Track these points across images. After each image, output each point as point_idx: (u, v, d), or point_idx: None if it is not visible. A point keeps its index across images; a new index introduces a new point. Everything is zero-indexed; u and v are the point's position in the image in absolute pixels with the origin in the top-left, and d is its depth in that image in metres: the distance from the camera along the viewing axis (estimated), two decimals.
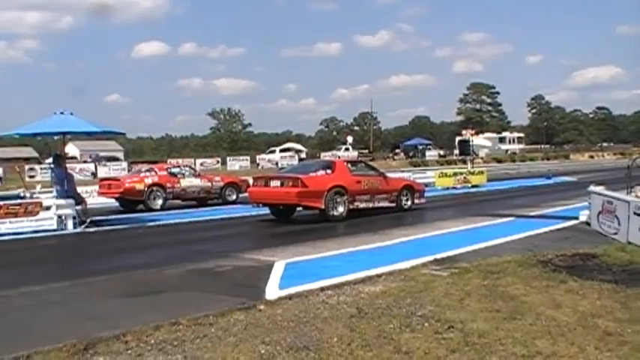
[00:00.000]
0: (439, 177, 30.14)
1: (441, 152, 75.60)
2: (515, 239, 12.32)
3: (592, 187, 14.36)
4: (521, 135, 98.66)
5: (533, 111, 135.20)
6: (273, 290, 8.11)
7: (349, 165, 18.79)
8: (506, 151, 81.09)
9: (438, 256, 10.23)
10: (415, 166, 52.05)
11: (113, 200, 23.03)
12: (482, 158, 62.83)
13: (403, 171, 37.73)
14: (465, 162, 37.56)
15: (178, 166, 25.73)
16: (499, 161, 63.14)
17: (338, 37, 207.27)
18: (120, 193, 22.51)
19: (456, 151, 61.16)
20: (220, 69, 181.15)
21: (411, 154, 71.30)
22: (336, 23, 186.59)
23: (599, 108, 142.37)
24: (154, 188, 22.56)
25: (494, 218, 16.22)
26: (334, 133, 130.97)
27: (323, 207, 16.45)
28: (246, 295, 7.88)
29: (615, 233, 11.96)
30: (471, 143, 36.51)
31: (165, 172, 23.45)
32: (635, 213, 11.14)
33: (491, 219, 16.06)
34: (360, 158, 53.07)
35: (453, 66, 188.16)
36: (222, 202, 23.84)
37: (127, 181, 22.96)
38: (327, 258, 10.76)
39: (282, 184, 16.68)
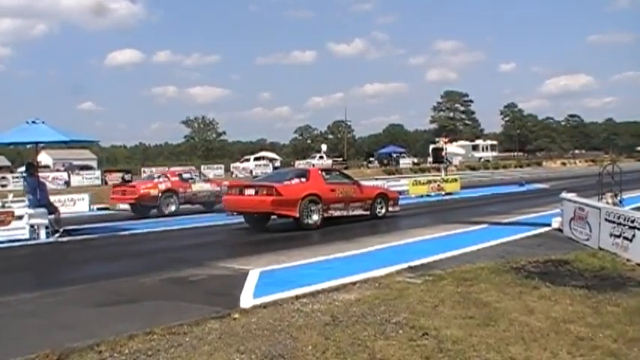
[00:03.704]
0: (413, 185, 30.22)
1: (415, 160, 76.03)
2: (488, 246, 12.41)
3: (564, 194, 14.54)
4: (495, 143, 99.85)
5: (507, 119, 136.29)
6: (247, 299, 8.09)
7: (323, 173, 18.69)
8: (480, 158, 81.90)
9: (412, 263, 10.28)
10: (389, 174, 52.27)
11: (86, 209, 22.79)
12: (455, 166, 63.27)
13: (377, 179, 37.77)
14: (438, 170, 37.78)
15: (189, 172, 26.32)
16: (473, 169, 63.70)
17: (313, 46, 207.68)
18: (135, 199, 23.19)
19: (430, 159, 61.59)
20: (195, 77, 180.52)
21: (385, 162, 71.62)
22: (312, 31, 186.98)
23: (571, 116, 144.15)
24: (168, 193, 23.33)
25: (468, 225, 16.34)
26: (309, 141, 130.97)
27: (297, 215, 16.44)
28: (220, 303, 7.86)
29: (587, 239, 12.11)
30: (444, 151, 36.74)
31: (177, 178, 24.14)
32: (606, 219, 11.30)
33: (464, 226, 16.17)
34: (334, 166, 53.15)
35: (427, 74, 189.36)
36: None
37: (142, 187, 23.58)
38: (302, 266, 10.76)
39: (256, 193, 16.58)
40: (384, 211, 19.14)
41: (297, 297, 8.01)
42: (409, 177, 38.00)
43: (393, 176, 46.06)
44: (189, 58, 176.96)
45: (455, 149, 76.61)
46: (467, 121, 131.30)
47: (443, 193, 30.01)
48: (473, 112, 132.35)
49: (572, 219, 13.13)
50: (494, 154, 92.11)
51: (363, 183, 20.73)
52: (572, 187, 19.31)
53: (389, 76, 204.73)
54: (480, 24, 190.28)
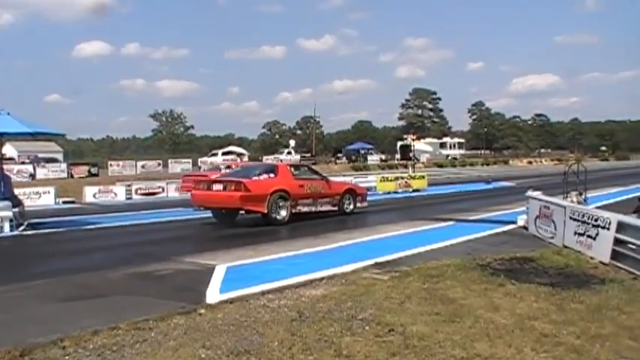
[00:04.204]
0: (381, 181, 30.37)
1: (383, 157, 76.26)
2: (454, 243, 12.50)
3: (530, 192, 14.69)
4: (462, 140, 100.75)
5: (474, 117, 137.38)
6: (214, 294, 8.05)
7: (292, 169, 18.61)
8: (447, 156, 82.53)
9: (379, 259, 10.32)
10: (357, 170, 52.44)
11: (51, 203, 22.42)
12: (423, 163, 63.64)
13: (345, 175, 37.89)
14: (406, 166, 37.96)
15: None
16: (440, 166, 64.11)
17: (283, 41, 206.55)
18: None
19: (398, 156, 61.95)
20: (163, 70, 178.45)
21: (353, 158, 71.74)
22: (281, 26, 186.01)
23: (537, 115, 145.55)
24: None
25: (435, 222, 16.43)
26: (277, 136, 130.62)
27: (266, 211, 16.38)
28: (186, 299, 7.81)
29: (552, 237, 12.26)
30: (412, 148, 36.93)
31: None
32: (570, 217, 11.46)
33: (431, 223, 16.26)
34: (302, 162, 53.12)
35: (396, 71, 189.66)
36: None
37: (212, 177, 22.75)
38: (269, 262, 10.73)
39: (224, 188, 16.46)
40: (351, 207, 19.17)
41: (264, 292, 7.99)
42: (377, 173, 38.19)
43: (360, 172, 46.19)
44: (158, 51, 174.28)
45: (422, 146, 77.06)
46: (435, 119, 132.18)
47: (410, 190, 30.17)
48: (441, 110, 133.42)
49: (538, 217, 13.28)
50: (462, 151, 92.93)
51: (332, 179, 20.72)
52: (537, 186, 19.51)
53: (358, 72, 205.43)
54: (450, 22, 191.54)
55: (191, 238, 15.82)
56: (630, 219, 10.62)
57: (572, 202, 14.58)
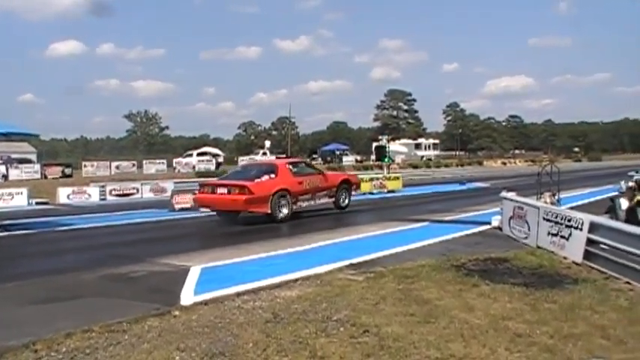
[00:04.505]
0: None
1: (358, 157, 76.40)
2: (429, 244, 12.57)
3: (504, 193, 14.80)
4: (437, 141, 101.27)
5: (449, 118, 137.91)
6: (188, 296, 8.03)
7: (291, 166, 19.05)
8: (422, 157, 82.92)
9: (354, 260, 10.36)
10: (332, 170, 52.41)
11: (24, 204, 22.15)
12: (398, 164, 63.80)
13: None
14: (381, 167, 37.97)
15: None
16: (415, 167, 64.42)
17: (258, 41, 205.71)
18: None
19: (373, 157, 61.92)
20: (138, 70, 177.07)
21: (328, 159, 71.85)
22: (257, 27, 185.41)
23: (511, 116, 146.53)
24: None
25: (410, 223, 16.49)
26: (252, 137, 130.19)
27: (269, 211, 16.95)
28: (161, 300, 7.78)
29: (526, 238, 12.37)
30: (387, 149, 36.91)
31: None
32: (544, 218, 11.56)
33: (406, 224, 16.31)
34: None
35: (372, 72, 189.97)
36: None
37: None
38: (244, 263, 10.73)
39: (229, 192, 16.93)
40: (347, 201, 20.33)
41: (239, 294, 7.99)
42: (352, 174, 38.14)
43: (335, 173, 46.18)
44: (132, 51, 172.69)
45: (398, 147, 77.20)
46: (410, 120, 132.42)
47: (385, 190, 30.18)
48: (416, 111, 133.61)
49: (512, 218, 13.38)
50: (437, 152, 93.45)
51: (328, 171, 22.17)
52: (511, 187, 19.68)
53: (334, 73, 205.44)
54: (425, 24, 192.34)
55: (166, 239, 15.72)
56: (602, 219, 10.76)
57: (545, 202, 14.69)
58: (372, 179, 31.20)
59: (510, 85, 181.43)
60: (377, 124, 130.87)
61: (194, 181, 35.16)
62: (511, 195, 14.43)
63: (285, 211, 17.37)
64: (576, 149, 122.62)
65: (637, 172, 29.38)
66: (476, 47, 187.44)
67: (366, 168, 58.41)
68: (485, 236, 13.81)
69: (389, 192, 30.03)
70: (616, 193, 17.71)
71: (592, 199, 21.55)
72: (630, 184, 17.10)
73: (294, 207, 17.86)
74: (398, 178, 32.96)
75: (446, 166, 70.58)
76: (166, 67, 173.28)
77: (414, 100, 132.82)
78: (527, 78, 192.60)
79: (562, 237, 10.80)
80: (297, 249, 12.13)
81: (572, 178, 32.76)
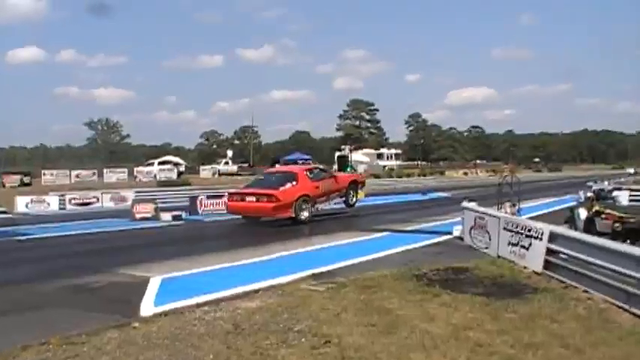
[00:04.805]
0: None
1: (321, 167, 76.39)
2: (391, 254, 12.64)
3: (465, 203, 14.91)
4: (399, 152, 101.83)
5: (411, 128, 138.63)
6: (148, 307, 7.95)
7: (308, 173, 21.14)
8: (384, 167, 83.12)
9: (316, 270, 10.35)
10: None
11: None
12: (361, 174, 63.96)
13: None
14: None
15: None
16: (377, 177, 64.46)
17: (221, 50, 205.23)
18: None
19: (335, 167, 62.02)
20: (99, 78, 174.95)
21: None
22: (220, 36, 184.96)
23: (473, 127, 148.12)
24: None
25: (372, 233, 16.54)
26: (214, 146, 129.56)
27: (294, 215, 19.09)
28: (120, 312, 7.68)
29: (486, 247, 12.48)
30: (349, 159, 37.09)
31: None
32: (504, 228, 11.68)
33: (368, 234, 16.36)
34: (239, 172, 52.80)
35: (334, 82, 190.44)
36: None
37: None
38: (205, 273, 10.65)
39: (257, 200, 19.03)
40: (355, 199, 22.98)
41: (199, 305, 7.93)
42: None
43: None
44: (93, 59, 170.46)
45: (360, 157, 77.54)
46: (372, 130, 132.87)
47: None
48: (378, 121, 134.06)
49: (473, 227, 13.50)
50: (399, 162, 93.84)
51: (337, 173, 25.39)
52: (473, 197, 19.82)
53: (296, 83, 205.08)
54: (388, 34, 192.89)
55: (126, 249, 15.52)
56: (561, 229, 10.91)
57: (505, 212, 14.86)
58: None
59: (472, 95, 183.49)
60: (339, 133, 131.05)
61: (155, 191, 35.05)
62: (472, 205, 14.56)
63: (306, 214, 19.61)
64: (537, 160, 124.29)
65: (595, 183, 30.02)
66: (438, 58, 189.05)
67: None
68: (446, 246, 13.93)
69: None
70: (575, 204, 18.00)
71: (552, 209, 21.88)
72: (589, 194, 17.49)
73: (313, 209, 20.09)
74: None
75: (408, 176, 70.80)
76: (128, 75, 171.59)
77: (377, 110, 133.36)
78: (488, 89, 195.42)
79: (522, 247, 10.92)
80: (259, 259, 12.08)
81: (533, 188, 33.18)
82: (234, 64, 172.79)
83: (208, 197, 24.59)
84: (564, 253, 9.70)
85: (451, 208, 20.95)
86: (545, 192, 33.29)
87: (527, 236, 10.80)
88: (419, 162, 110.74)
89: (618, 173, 65.27)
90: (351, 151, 38.23)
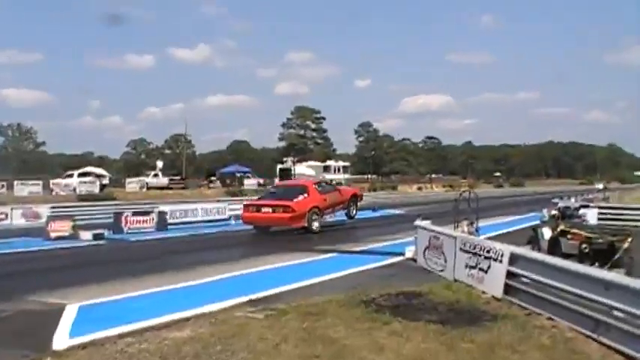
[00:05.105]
0: None
1: (261, 181, 76.08)
2: (337, 277, 12.65)
3: (418, 222, 15.02)
4: (347, 164, 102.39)
5: (361, 139, 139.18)
6: (62, 339, 7.77)
7: (316, 186, 24.70)
8: (331, 180, 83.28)
9: (254, 296, 10.29)
10: (232, 195, 52.12)
11: None
12: (359, 187, 64.09)
13: (219, 201, 37.62)
14: None
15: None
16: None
17: (152, 49, 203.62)
18: None
19: (277, 180, 61.94)
20: (8, 77, 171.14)
21: (227, 182, 71.25)
22: (151, 32, 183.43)
23: (428, 137, 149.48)
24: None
25: (316, 254, 16.56)
26: (142, 156, 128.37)
27: (306, 225, 22.43)
28: (30, 346, 7.50)
29: (442, 270, 12.58)
30: (293, 171, 37.13)
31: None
32: (461, 249, 11.80)
33: (312, 255, 16.37)
34: (170, 185, 52.31)
35: (277, 87, 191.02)
36: None
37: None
38: (129, 299, 10.49)
39: (273, 211, 22.35)
40: (355, 212, 26.68)
41: (122, 335, 7.80)
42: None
43: (236, 198, 45.92)
44: (2, 55, 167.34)
45: (304, 170, 77.66)
46: (318, 140, 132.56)
47: None
48: (325, 131, 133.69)
49: (427, 248, 13.60)
50: (347, 176, 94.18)
51: (341, 187, 29.56)
52: (427, 214, 20.01)
53: (235, 87, 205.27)
54: (336, 36, 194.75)
55: (39, 272, 15.15)
56: (523, 250, 11.04)
57: (462, 232, 15.02)
58: None
59: (428, 103, 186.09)
60: (282, 144, 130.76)
61: (75, 206, 34.42)
62: (426, 223, 14.68)
63: (316, 224, 22.88)
64: (497, 174, 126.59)
65: (561, 200, 30.52)
66: (391, 62, 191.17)
67: None
68: (398, 268, 14.00)
69: None
70: (538, 222, 18.24)
71: (513, 229, 22.16)
72: (553, 212, 17.71)
73: (321, 220, 23.36)
74: None
75: None
76: (44, 75, 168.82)
77: (323, 118, 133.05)
78: (445, 96, 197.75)
79: (481, 269, 11.03)
80: (191, 283, 11.96)
81: (493, 205, 33.67)
82: (166, 64, 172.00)
83: (135, 214, 24.24)
84: (526, 277, 9.81)
85: (403, 227, 21.07)
86: (506, 209, 33.77)
87: (486, 258, 10.92)
88: (369, 175, 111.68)
89: (586, 189, 66.75)
90: (294, 162, 38.19)
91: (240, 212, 26.21)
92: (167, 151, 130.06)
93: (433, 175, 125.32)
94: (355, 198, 27.09)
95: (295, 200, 22.69)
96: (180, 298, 10.58)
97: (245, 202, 26.04)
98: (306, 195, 23.27)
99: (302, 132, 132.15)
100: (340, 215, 26.26)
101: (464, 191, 18.74)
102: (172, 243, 19.32)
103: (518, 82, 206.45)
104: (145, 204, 33.52)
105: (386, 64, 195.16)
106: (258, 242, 20.86)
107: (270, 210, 22.56)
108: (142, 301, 10.34)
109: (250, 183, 70.82)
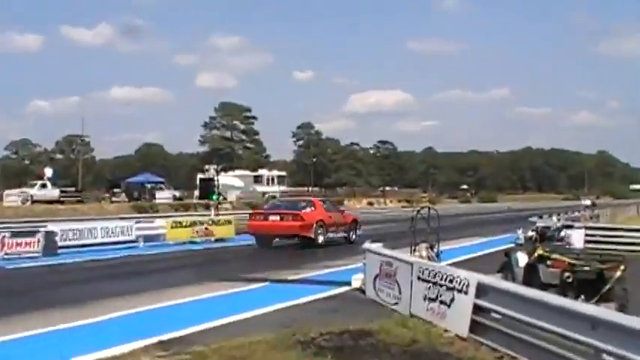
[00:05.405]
0: (172, 227, 29.93)
1: (177, 194, 75.57)
2: (268, 312, 12.62)
3: (367, 245, 15.05)
4: (284, 174, 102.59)
5: (300, 143, 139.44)
6: None
7: (321, 202, 29.72)
8: (264, 194, 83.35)
9: (165, 336, 10.19)
10: (141, 211, 51.74)
11: None
12: (231, 203, 63.94)
13: (124, 218, 37.31)
14: (208, 207, 38.02)
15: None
16: (254, 207, 64.61)
17: (39, 27, 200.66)
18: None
19: (197, 193, 61.86)
20: None
21: (136, 194, 70.59)
22: (39, 6, 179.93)
23: (381, 142, 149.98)
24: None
25: (244, 284, 16.51)
26: (26, 161, 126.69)
27: (313, 236, 26.43)
28: None
29: (396, 303, 12.63)
30: (216, 183, 37.05)
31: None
32: (419, 278, 11.85)
33: (239, 285, 16.32)
34: (61, 198, 51.68)
35: (198, 78, 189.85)
36: None
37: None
38: (6, 343, 10.27)
39: (282, 219, 26.72)
40: (355, 237, 28.90)
41: None
42: (167, 216, 37.82)
43: (145, 215, 45.56)
44: None
45: (231, 180, 77.73)
46: (248, 144, 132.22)
47: (212, 239, 30.17)
48: (256, 133, 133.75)
49: (378, 276, 13.64)
50: (283, 188, 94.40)
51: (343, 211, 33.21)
52: (379, 235, 20.12)
53: (146, 77, 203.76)
54: (270, 18, 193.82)
55: None
56: (493, 280, 11.13)
57: (421, 257, 15.12)
58: (194, 224, 31.03)
59: (381, 101, 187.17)
60: (204, 148, 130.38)
61: None
62: (377, 247, 14.73)
63: (321, 238, 26.89)
64: (465, 187, 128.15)
65: (540, 219, 30.95)
66: (338, 51, 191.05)
67: (187, 208, 58.10)
68: (342, 301, 14.04)
69: (217, 240, 30.03)
70: (512, 246, 18.49)
71: (482, 253, 22.47)
72: (530, 233, 17.95)
73: (326, 236, 27.24)
74: (230, 222, 33.03)
75: None
76: None
77: (255, 117, 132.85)
78: (403, 93, 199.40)
79: (442, 303, 11.10)
80: (85, 322, 11.75)
81: (458, 224, 34.10)
82: (58, 47, 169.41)
83: (15, 235, 23.74)
84: (497, 312, 9.86)
85: (350, 251, 21.22)
86: (474, 229, 34.22)
87: (448, 289, 10.99)
88: (310, 188, 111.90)
89: (571, 205, 67.82)
90: (218, 172, 38.08)
91: (150, 232, 26.20)
92: (59, 156, 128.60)
93: (387, 188, 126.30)
94: (355, 223, 30.33)
95: (304, 211, 27.25)
96: (70, 340, 10.41)
97: (251, 211, 32.15)
98: (312, 208, 27.90)
99: (228, 134, 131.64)
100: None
101: (422, 207, 18.88)
102: (64, 271, 19.05)
103: (490, 77, 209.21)
104: (28, 222, 33.02)
105: (331, 52, 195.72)
106: (174, 269, 20.71)
107: (278, 218, 26.93)
108: (25, 344, 10.14)
109: (164, 196, 70.16)
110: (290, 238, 27.19)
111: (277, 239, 27.85)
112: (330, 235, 27.85)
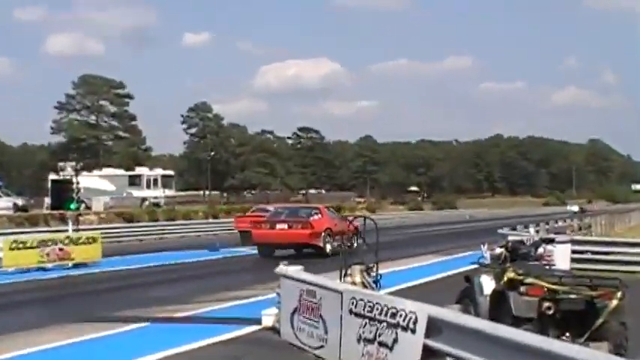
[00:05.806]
0: (12, 249, 29.44)
1: (19, 201, 74.61)
2: None
3: (282, 268, 15.02)
4: (171, 173, 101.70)
5: (192, 131, 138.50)
6: None
7: (327, 210, 35.93)
8: (143, 200, 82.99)
9: None
10: None
11: None
12: (97, 214, 63.59)
13: None
14: (63, 220, 37.71)
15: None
16: (129, 219, 64.35)
17: None
18: None
19: (48, 200, 61.27)
20: None
21: None
22: None
23: (303, 129, 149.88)
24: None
25: (114, 325, 16.39)
26: None
27: (322, 245, 32.07)
28: None
29: (321, 347, 12.65)
30: (76, 186, 36.79)
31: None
32: (351, 311, 11.86)
33: (106, 326, 16.18)
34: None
35: (48, 42, 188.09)
36: None
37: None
38: None
39: (290, 227, 32.40)
40: (355, 244, 29.60)
41: None
42: (5, 233, 37.46)
43: None
44: None
45: (97, 183, 77.21)
46: (121, 133, 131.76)
47: (69, 264, 29.90)
48: (133, 118, 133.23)
49: (297, 310, 13.65)
50: (170, 192, 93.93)
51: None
52: (299, 256, 20.15)
53: None
54: None
55: None
56: (450, 313, 11.16)
57: (354, 283, 15.16)
58: (43, 243, 30.61)
59: (302, 74, 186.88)
60: (58, 138, 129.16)
61: None
62: (295, 270, 14.72)
63: (329, 247, 32.23)
64: (414, 188, 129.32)
65: (513, 230, 31.30)
66: (242, 6, 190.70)
67: (34, 221, 57.40)
68: (249, 345, 14.05)
69: (76, 265, 29.78)
70: (475, 267, 18.66)
71: (435, 277, 22.68)
72: (498, 250, 18.01)
73: (332, 245, 32.31)
74: (95, 239, 32.75)
75: (187, 216, 71.32)
76: None
77: (130, 96, 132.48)
78: (331, 62, 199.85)
79: (382, 345, 11.15)
80: None
81: (405, 239, 34.60)
82: None
83: None
84: (454, 356, 9.97)
85: (260, 276, 21.22)
86: (425, 246, 34.59)
87: (390, 325, 11.02)
88: (207, 192, 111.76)
89: (554, 212, 68.40)
90: (78, 171, 37.62)
91: None
92: None
93: (311, 191, 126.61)
94: (357, 232, 30.04)
95: (311, 218, 33.11)
96: None
97: (254, 220, 36.94)
98: (320, 216, 33.85)
99: (93, 119, 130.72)
100: None
101: (355, 217, 18.95)
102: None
103: (446, 41, 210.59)
104: None
105: (234, 8, 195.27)
106: (13, 308, 20.47)
107: (286, 226, 32.57)
108: None
109: (0, 205, 68.91)
110: (297, 248, 32.66)
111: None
112: (335, 244, 31.39)
